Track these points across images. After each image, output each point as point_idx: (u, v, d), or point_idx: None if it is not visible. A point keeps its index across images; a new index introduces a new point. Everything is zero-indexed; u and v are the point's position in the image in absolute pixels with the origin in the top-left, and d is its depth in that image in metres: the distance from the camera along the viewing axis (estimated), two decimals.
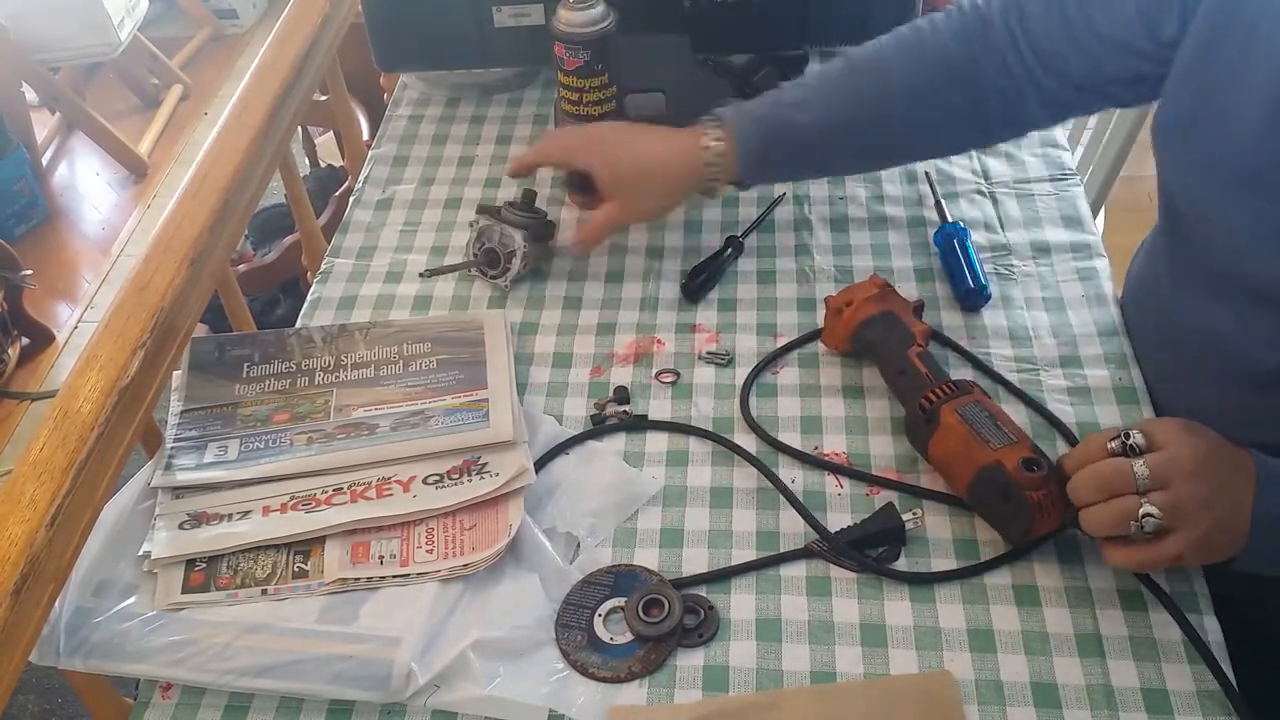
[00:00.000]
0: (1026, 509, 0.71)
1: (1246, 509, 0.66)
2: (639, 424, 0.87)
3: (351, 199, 1.13)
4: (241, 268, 1.85)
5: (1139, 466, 0.67)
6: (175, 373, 0.89)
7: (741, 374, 0.90)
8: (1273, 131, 0.67)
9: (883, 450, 0.84)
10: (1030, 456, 0.72)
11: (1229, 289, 0.76)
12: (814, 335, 0.93)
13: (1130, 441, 0.68)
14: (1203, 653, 0.69)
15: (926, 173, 1.06)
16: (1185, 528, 0.66)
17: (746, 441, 0.85)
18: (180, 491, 0.81)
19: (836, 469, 0.82)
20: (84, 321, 2.36)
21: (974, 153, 1.10)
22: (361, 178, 1.16)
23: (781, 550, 0.77)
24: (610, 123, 0.99)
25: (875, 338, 0.86)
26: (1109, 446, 0.69)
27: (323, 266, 1.05)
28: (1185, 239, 0.80)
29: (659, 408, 0.88)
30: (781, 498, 0.80)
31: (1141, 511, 0.66)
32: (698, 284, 0.97)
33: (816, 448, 0.84)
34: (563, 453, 0.85)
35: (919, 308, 0.89)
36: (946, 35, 0.85)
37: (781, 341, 0.92)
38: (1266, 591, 0.79)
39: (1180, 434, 0.68)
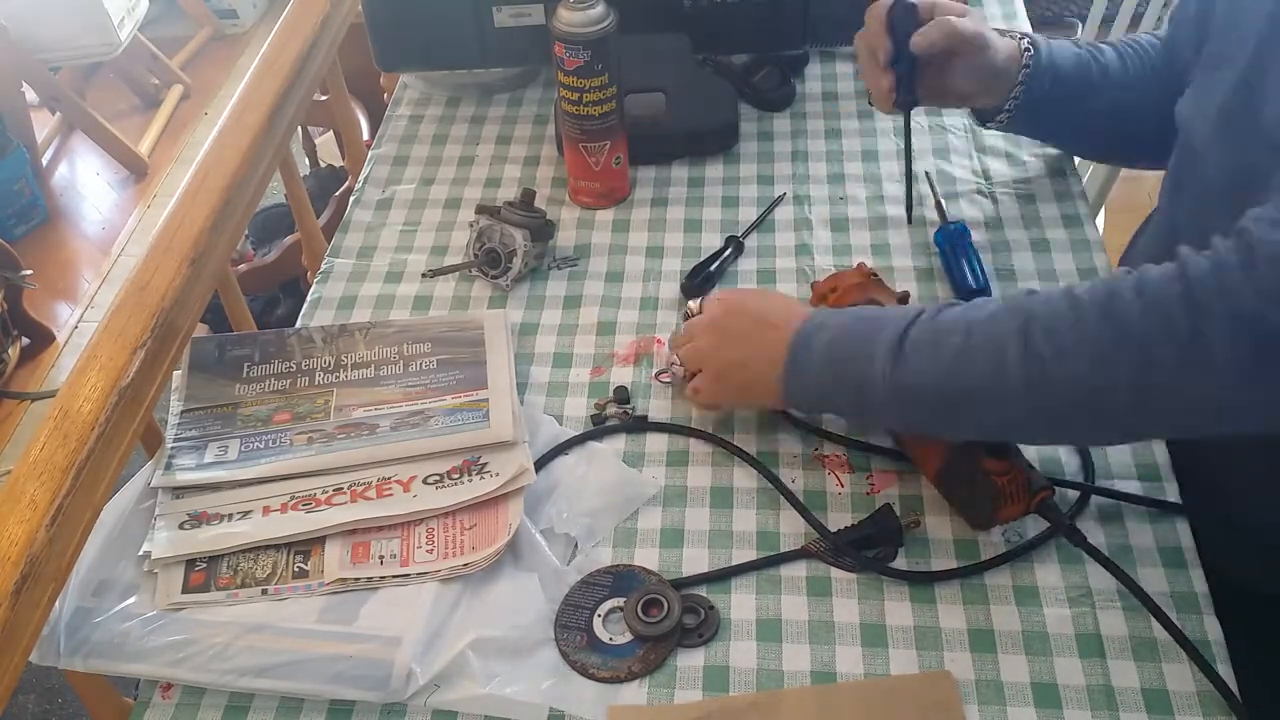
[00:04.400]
0: (991, 493, 0.73)
1: (779, 344, 0.77)
2: (639, 425, 0.87)
3: (351, 199, 1.13)
4: (241, 268, 1.84)
5: (681, 326, 0.87)
6: (175, 373, 0.89)
7: None
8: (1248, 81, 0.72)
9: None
10: (996, 443, 0.74)
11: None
12: None
13: (689, 305, 0.89)
14: (1191, 652, 0.69)
15: (926, 173, 1.06)
16: (704, 367, 0.83)
17: (746, 442, 0.85)
18: (180, 491, 0.81)
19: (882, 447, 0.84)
20: (84, 321, 2.36)
21: (974, 153, 1.10)
22: (361, 178, 1.16)
23: (782, 550, 0.77)
24: None
25: None
26: (687, 310, 0.89)
27: (323, 266, 1.05)
28: (1177, 204, 0.85)
29: (659, 408, 0.88)
30: (781, 498, 0.80)
31: (669, 359, 0.87)
32: (698, 284, 0.97)
33: (817, 449, 0.84)
34: (563, 453, 0.85)
35: (904, 298, 0.89)
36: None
37: None
38: (1269, 592, 0.80)
39: (715, 299, 0.85)
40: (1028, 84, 0.92)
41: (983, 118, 0.98)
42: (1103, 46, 0.95)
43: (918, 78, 0.92)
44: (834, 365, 0.74)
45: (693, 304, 0.89)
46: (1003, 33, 0.93)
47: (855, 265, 0.90)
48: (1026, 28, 1.27)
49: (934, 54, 0.89)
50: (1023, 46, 0.92)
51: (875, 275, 0.88)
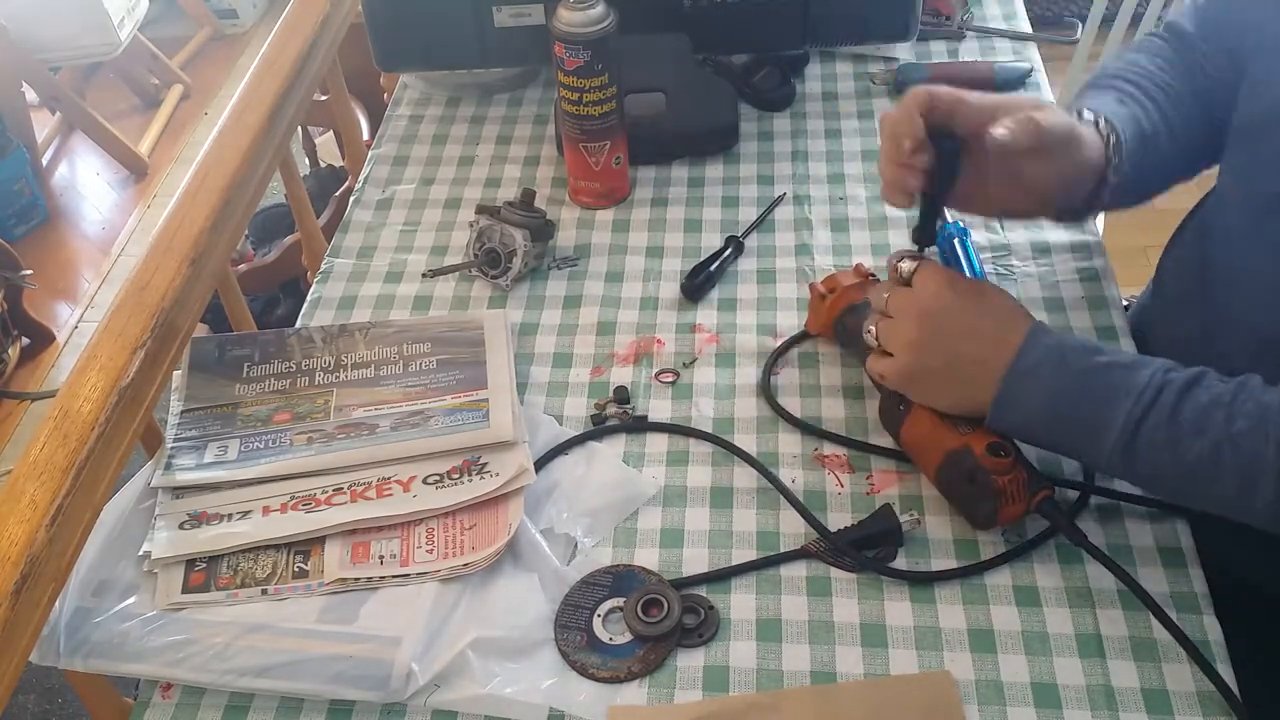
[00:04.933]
0: (991, 492, 0.73)
1: (985, 369, 0.72)
2: (639, 425, 0.87)
3: (351, 199, 1.13)
4: (241, 268, 1.85)
5: (884, 293, 0.78)
6: (175, 373, 0.89)
7: (741, 374, 0.90)
8: None
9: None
10: (997, 442, 0.74)
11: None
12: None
13: (900, 264, 0.77)
14: (1191, 652, 0.69)
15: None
16: (895, 355, 0.76)
17: (746, 442, 0.85)
18: (180, 491, 0.81)
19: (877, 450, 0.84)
20: (84, 321, 2.37)
21: None
22: (361, 178, 1.16)
23: (782, 550, 0.77)
24: None
25: (854, 324, 0.86)
26: (897, 266, 0.78)
27: (323, 266, 1.05)
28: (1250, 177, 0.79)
29: (659, 408, 0.88)
30: (781, 498, 0.80)
31: (865, 326, 0.79)
32: (698, 284, 0.97)
33: (817, 449, 0.84)
34: (562, 453, 0.85)
35: None
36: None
37: (781, 342, 0.92)
38: (1270, 592, 0.80)
39: (930, 281, 0.75)
40: (1120, 172, 0.78)
41: (1059, 216, 0.87)
42: (1139, 98, 0.83)
43: (954, 190, 0.78)
44: (1053, 422, 0.72)
45: (904, 265, 0.77)
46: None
47: (854, 266, 0.90)
48: (1026, 28, 1.27)
49: (1007, 155, 0.74)
50: (1104, 131, 0.78)
51: (873, 276, 0.89)
